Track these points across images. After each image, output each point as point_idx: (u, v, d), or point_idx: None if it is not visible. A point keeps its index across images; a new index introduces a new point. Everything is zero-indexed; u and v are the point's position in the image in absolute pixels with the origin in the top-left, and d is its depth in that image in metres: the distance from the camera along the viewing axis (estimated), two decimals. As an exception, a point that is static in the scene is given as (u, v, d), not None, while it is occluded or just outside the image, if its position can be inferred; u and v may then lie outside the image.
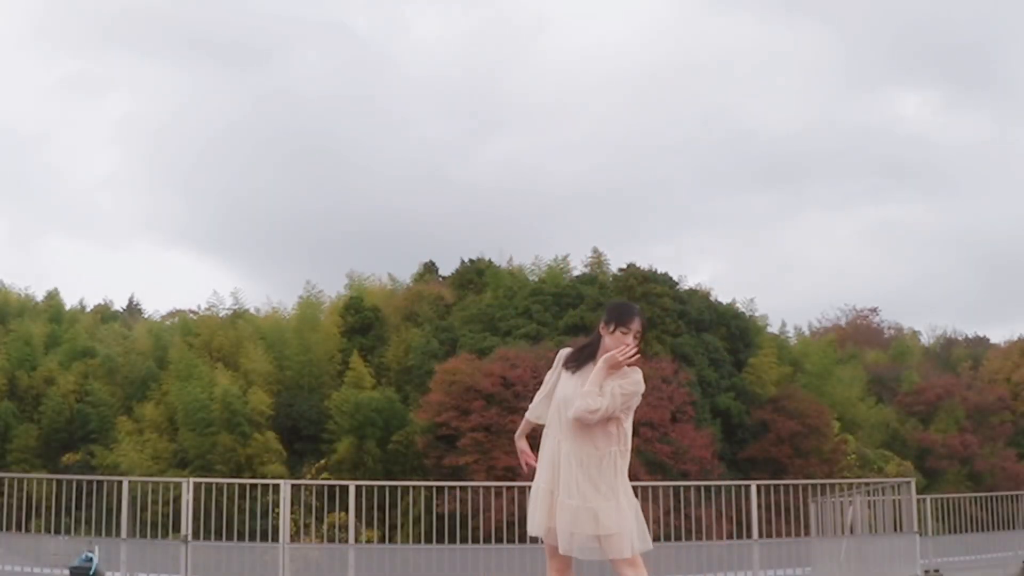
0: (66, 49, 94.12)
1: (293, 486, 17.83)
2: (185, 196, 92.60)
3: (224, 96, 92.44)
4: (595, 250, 45.74)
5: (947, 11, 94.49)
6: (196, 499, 15.62)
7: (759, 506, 15.88)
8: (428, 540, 20.24)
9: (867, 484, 18.25)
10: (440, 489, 24.79)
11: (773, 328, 47.21)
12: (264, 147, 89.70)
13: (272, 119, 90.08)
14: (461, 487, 24.54)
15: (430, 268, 51.52)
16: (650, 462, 33.76)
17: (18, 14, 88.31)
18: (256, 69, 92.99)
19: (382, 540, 19.12)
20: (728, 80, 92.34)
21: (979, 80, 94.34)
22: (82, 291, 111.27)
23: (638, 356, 5.61)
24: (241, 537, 18.74)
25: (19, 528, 17.45)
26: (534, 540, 20.03)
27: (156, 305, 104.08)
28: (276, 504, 16.63)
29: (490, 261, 48.77)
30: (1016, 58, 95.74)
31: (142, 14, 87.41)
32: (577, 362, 5.74)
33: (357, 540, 16.67)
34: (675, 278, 43.08)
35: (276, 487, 17.09)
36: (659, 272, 42.24)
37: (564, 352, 6.00)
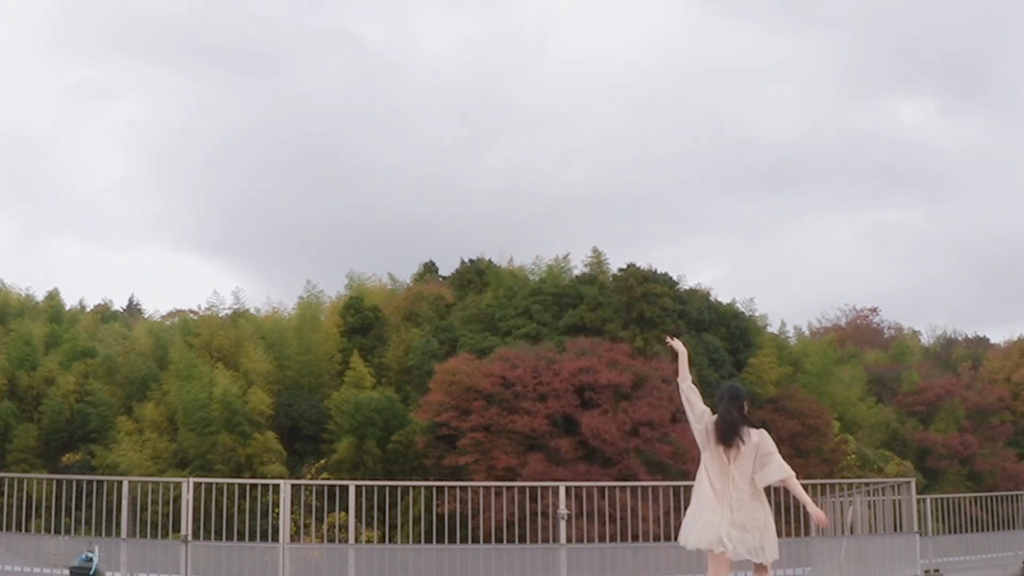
0: (76, 56, 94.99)
1: (293, 486, 17.81)
2: (191, 200, 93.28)
3: (231, 102, 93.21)
4: (595, 250, 45.69)
5: (944, 20, 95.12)
6: (196, 499, 15.61)
7: (759, 506, 15.83)
8: (428, 540, 20.26)
9: (867, 484, 18.24)
10: (440, 489, 24.81)
11: (773, 328, 47.25)
12: (270, 152, 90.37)
13: (278, 125, 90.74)
14: (461, 487, 24.56)
15: (430, 268, 51.50)
16: (650, 462, 33.76)
17: (30, 22, 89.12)
18: (263, 76, 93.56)
19: (382, 540, 19.12)
20: (729, 87, 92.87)
21: (975, 87, 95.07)
22: (88, 293, 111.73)
23: None
24: (241, 537, 18.74)
25: (19, 528, 17.45)
26: (534, 540, 20.00)
27: (156, 305, 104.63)
28: (276, 504, 16.62)
29: (490, 261, 48.77)
30: (1010, 65, 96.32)
31: (151, 22, 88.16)
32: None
33: (357, 540, 16.65)
34: (675, 278, 43.05)
35: (276, 487, 17.07)
36: (659, 272, 42.18)
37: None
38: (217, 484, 17.83)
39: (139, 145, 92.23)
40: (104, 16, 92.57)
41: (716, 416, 7.48)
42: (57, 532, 17.69)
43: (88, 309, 52.84)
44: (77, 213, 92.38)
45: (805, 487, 18.26)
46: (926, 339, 60.97)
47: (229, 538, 17.09)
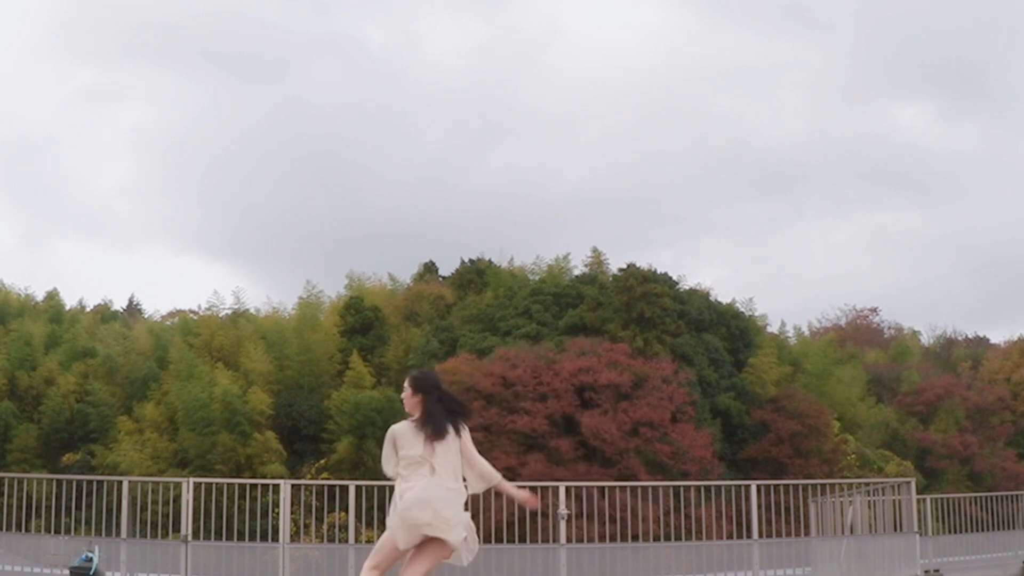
0: (82, 60, 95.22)
1: (293, 486, 17.82)
2: (195, 203, 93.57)
3: (236, 107, 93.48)
4: (595, 250, 45.67)
5: (942, 26, 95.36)
6: (196, 499, 15.62)
7: (759, 506, 15.88)
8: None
9: (867, 484, 18.26)
10: (440, 489, 24.72)
11: (773, 328, 47.24)
12: (273, 155, 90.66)
13: (282, 128, 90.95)
14: (461, 487, 24.49)
15: (430, 268, 51.50)
16: (650, 462, 33.76)
17: (37, 26, 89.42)
18: (268, 81, 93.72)
19: (382, 540, 19.08)
20: (730, 91, 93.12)
21: (973, 91, 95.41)
22: (88, 293, 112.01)
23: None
24: (241, 537, 18.76)
25: (19, 528, 17.47)
26: (534, 540, 20.01)
27: (156, 305, 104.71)
28: (276, 504, 16.64)
29: (490, 261, 48.76)
30: (1007, 69, 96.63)
31: (157, 27, 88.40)
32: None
33: (357, 540, 16.66)
34: (675, 278, 43.02)
35: (276, 487, 17.10)
36: (659, 272, 42.17)
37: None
38: (217, 484, 17.85)
39: (144, 149, 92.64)
40: (110, 21, 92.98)
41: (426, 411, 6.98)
42: (57, 532, 17.72)
43: (88, 309, 52.80)
44: (81, 215, 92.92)
45: (805, 487, 18.27)
46: (926, 339, 60.99)
47: (229, 538, 17.10)
